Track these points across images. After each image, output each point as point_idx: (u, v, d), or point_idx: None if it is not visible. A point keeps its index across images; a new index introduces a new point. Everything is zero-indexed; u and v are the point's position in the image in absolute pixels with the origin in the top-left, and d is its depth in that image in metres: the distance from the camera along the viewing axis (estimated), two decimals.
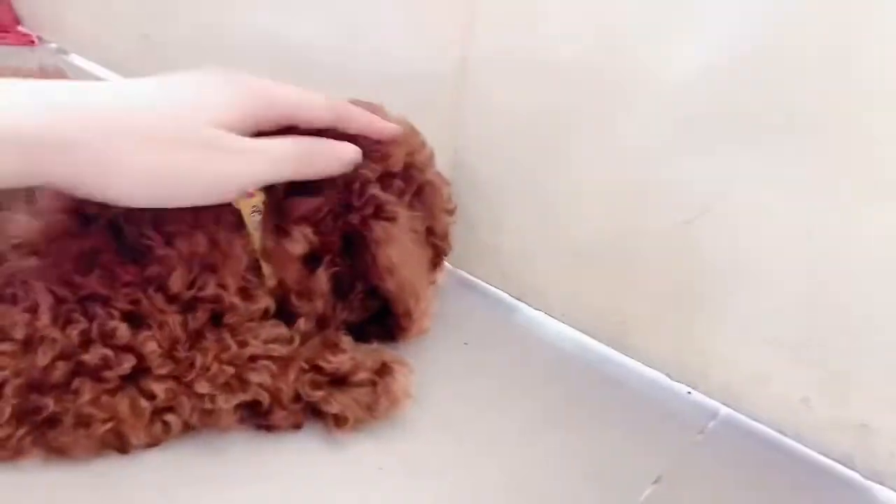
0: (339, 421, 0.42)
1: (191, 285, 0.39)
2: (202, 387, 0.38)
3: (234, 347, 0.39)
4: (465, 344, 0.55)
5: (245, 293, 0.41)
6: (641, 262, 0.53)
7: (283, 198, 0.43)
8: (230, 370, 0.39)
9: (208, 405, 0.38)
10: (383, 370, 0.44)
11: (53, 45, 1.34)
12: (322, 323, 0.45)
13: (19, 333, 0.33)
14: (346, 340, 0.45)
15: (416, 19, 0.63)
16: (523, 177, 0.58)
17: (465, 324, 0.58)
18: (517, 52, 0.55)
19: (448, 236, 0.55)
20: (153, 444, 0.37)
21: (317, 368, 0.42)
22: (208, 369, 0.38)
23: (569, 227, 0.56)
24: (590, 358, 0.57)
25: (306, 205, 0.43)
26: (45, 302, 0.34)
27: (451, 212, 0.54)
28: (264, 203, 0.42)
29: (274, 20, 0.81)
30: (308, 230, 0.43)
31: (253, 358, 0.40)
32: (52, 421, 0.34)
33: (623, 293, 0.55)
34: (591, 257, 0.55)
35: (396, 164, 0.48)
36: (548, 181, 0.56)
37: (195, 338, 0.39)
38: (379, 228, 0.45)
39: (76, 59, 1.20)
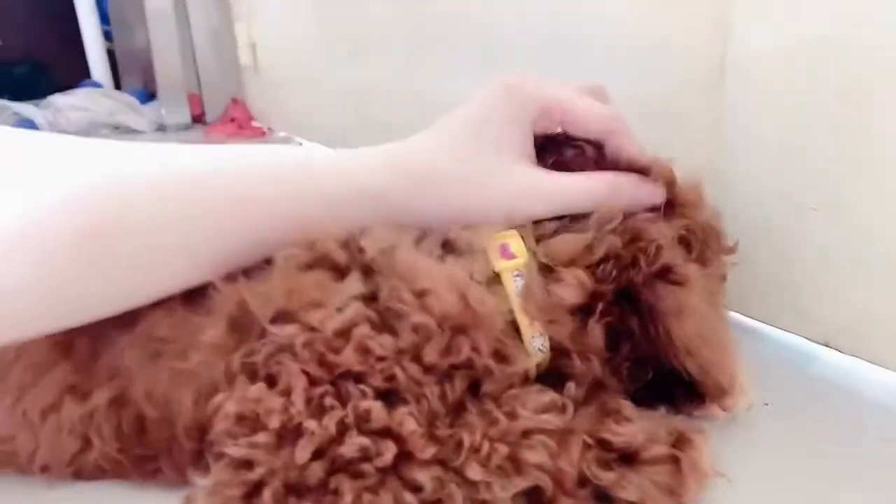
0: None
1: (446, 352, 0.33)
2: (474, 472, 0.31)
3: (503, 421, 0.33)
4: (766, 404, 0.44)
5: (500, 356, 0.35)
6: None
7: (550, 234, 0.38)
8: (503, 449, 0.32)
9: (484, 495, 0.31)
10: (681, 442, 0.35)
11: (282, 134, 1.47)
12: (593, 387, 0.37)
13: (274, 422, 0.30)
14: (628, 406, 0.36)
15: (666, 30, 0.56)
16: (813, 189, 0.46)
17: (758, 379, 0.47)
18: (784, 44, 0.45)
19: (725, 280, 0.45)
20: None
21: (602, 443, 0.34)
22: (478, 450, 0.32)
23: (892, 244, 0.43)
24: None
25: (576, 242, 0.37)
26: (298, 385, 0.31)
27: (731, 251, 0.45)
28: (527, 266, 0.36)
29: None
30: (582, 273, 0.36)
31: (526, 433, 0.33)
32: None
33: None
34: None
35: (693, 224, 0.40)
36: (852, 189, 0.44)
37: (456, 412, 0.34)
38: (671, 297, 0.36)
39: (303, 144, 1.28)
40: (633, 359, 0.38)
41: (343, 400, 0.31)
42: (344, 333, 0.32)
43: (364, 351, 0.32)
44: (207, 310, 0.35)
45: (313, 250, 0.35)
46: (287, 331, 0.32)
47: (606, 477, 0.33)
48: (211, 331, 0.34)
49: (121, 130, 1.58)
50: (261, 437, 0.30)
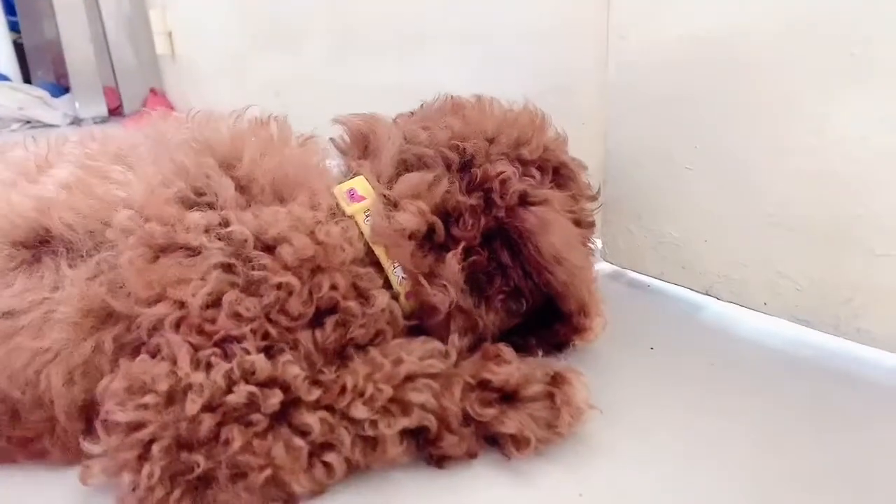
0: (518, 443, 0.36)
1: (310, 299, 0.35)
2: (359, 411, 0.33)
3: (387, 366, 0.35)
4: (651, 349, 0.48)
5: (359, 291, 0.37)
6: (872, 222, 0.42)
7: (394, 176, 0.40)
8: (387, 391, 0.34)
9: (369, 432, 0.33)
10: (557, 380, 0.38)
11: None
12: (472, 332, 0.40)
13: (162, 385, 0.31)
14: (508, 351, 0.39)
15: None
16: (697, 149, 0.49)
17: (646, 328, 0.50)
18: (663, 17, 0.48)
19: (594, 227, 0.48)
20: (318, 490, 0.33)
21: (483, 384, 0.36)
22: (362, 393, 0.34)
23: (769, 196, 0.47)
24: (808, 351, 0.47)
25: (415, 179, 0.40)
26: (181, 351, 0.32)
27: (593, 198, 0.48)
28: (374, 204, 0.40)
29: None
30: (422, 204, 0.39)
31: (410, 377, 0.35)
32: (207, 479, 0.31)
33: (851, 266, 0.44)
34: (801, 227, 0.46)
35: (533, 151, 0.42)
36: (731, 147, 0.48)
37: (339, 359, 0.36)
38: (532, 216, 0.39)
39: None
40: (506, 291, 0.41)
41: (228, 357, 0.32)
42: (214, 304, 0.33)
43: (236, 316, 0.33)
44: (53, 284, 0.35)
45: (161, 238, 0.35)
46: (159, 309, 0.33)
47: (487, 413, 0.36)
48: (64, 308, 0.34)
49: (32, 125, 1.52)
50: (149, 399, 0.31)
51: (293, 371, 0.32)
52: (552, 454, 0.37)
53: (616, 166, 0.56)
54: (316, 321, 0.35)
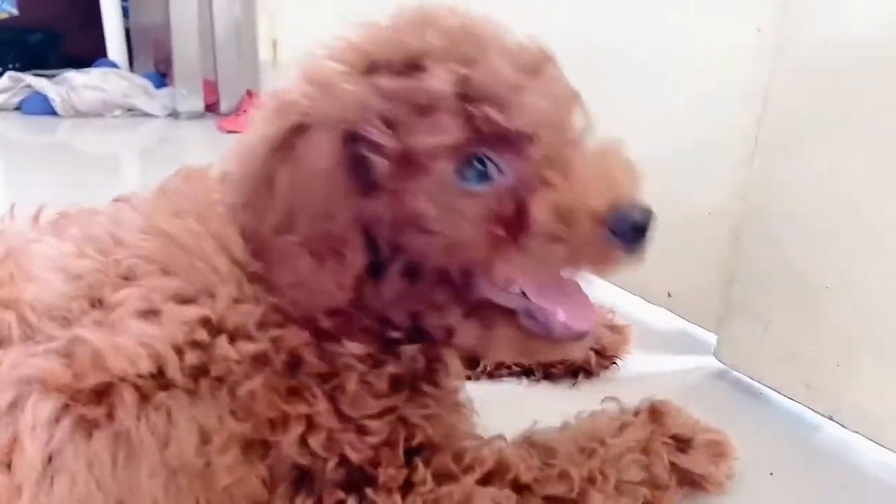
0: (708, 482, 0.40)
1: None
2: (596, 500, 0.35)
3: (599, 451, 0.37)
4: (771, 475, 0.46)
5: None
6: None
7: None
8: (613, 474, 0.36)
9: None
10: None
11: None
12: None
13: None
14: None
15: None
16: (840, 268, 0.48)
17: (761, 446, 0.48)
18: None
19: None
20: None
21: (675, 437, 0.40)
22: (593, 480, 0.36)
23: None
24: None
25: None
26: None
27: None
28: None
29: None
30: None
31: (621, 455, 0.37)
32: None
33: None
34: None
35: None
36: (879, 269, 0.45)
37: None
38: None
39: None
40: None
41: None
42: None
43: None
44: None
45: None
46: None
47: (683, 459, 0.38)
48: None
49: (134, 113, 1.58)
50: None
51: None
52: None
53: (746, 270, 0.54)
54: None
